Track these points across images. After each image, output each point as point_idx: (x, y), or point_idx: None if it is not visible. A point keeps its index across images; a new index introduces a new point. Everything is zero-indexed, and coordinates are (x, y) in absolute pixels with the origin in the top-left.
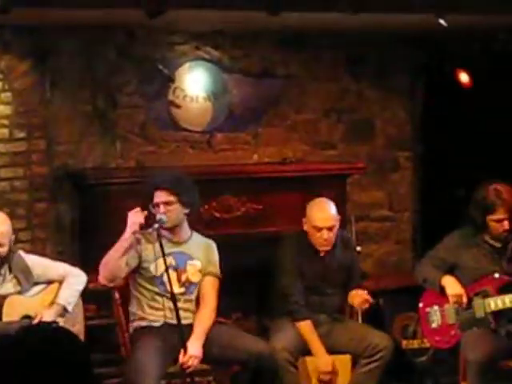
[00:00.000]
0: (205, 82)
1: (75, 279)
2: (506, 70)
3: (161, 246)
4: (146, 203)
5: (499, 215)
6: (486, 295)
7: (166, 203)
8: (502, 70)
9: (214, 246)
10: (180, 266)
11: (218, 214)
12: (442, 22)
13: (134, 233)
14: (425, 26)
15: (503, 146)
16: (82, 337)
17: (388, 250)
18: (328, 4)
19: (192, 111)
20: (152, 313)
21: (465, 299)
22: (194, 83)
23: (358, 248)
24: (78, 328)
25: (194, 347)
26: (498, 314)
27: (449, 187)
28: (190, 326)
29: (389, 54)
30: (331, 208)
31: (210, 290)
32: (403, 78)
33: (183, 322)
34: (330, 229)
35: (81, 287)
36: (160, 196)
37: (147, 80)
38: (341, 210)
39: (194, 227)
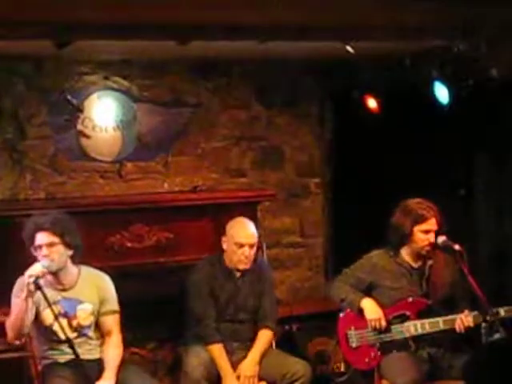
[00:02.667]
0: (114, 111)
1: None
2: (411, 94)
3: (44, 297)
4: (29, 246)
5: (429, 226)
6: (404, 319)
7: (49, 245)
8: (409, 94)
9: (106, 279)
10: (70, 313)
11: (129, 244)
12: (349, 49)
13: (30, 291)
14: (334, 53)
15: (411, 166)
16: None
17: (300, 276)
18: (236, 33)
19: (101, 141)
20: (53, 353)
21: (383, 323)
22: (103, 113)
23: (272, 274)
24: None
25: None
26: (418, 337)
27: (360, 211)
28: (98, 360)
29: (298, 82)
30: (252, 226)
31: (112, 327)
32: (312, 104)
33: (89, 357)
34: (251, 246)
35: None
36: (42, 238)
37: (56, 111)
38: None
39: (100, 259)
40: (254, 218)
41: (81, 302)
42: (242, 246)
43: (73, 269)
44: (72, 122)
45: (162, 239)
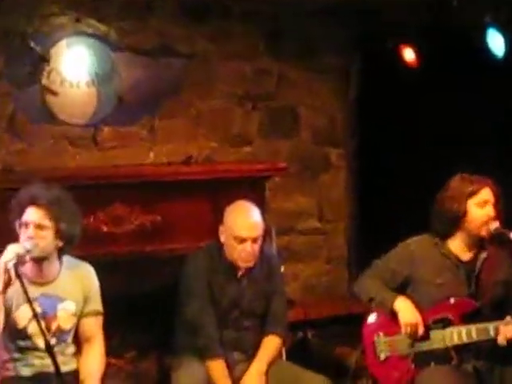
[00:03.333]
0: (87, 62)
1: None
2: (458, 44)
3: (24, 290)
4: (13, 220)
5: (485, 196)
6: (447, 324)
7: (39, 226)
8: (454, 44)
9: (92, 272)
10: (48, 313)
11: (105, 228)
12: None
13: (9, 280)
14: None
15: (457, 133)
16: None
17: (318, 270)
18: None
19: (72, 99)
20: (16, 364)
21: (421, 330)
22: (74, 64)
23: (282, 268)
24: None
25: None
26: (462, 348)
27: (393, 189)
28: (74, 373)
29: (318, 26)
30: (256, 214)
31: (95, 331)
32: (335, 56)
33: (64, 369)
34: (255, 240)
35: None
36: (33, 214)
37: (15, 61)
38: None
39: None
40: (260, 198)
41: (62, 300)
42: (242, 240)
43: (57, 261)
44: (35, 76)
45: (147, 223)
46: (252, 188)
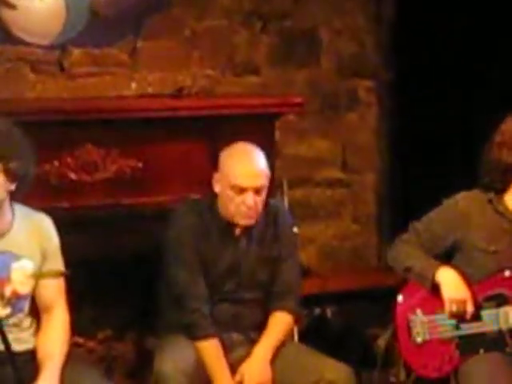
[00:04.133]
0: None
1: None
2: None
3: None
4: None
5: None
6: (501, 302)
7: None
8: None
9: (49, 223)
10: (0, 275)
11: (73, 176)
12: None
13: None
14: None
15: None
16: None
17: (340, 232)
18: None
19: (33, 13)
20: None
21: (470, 308)
22: None
23: (295, 229)
24: None
25: None
26: None
27: (437, 131)
28: (31, 353)
29: None
30: (260, 158)
31: (55, 298)
32: None
33: (19, 348)
34: (257, 191)
35: None
36: None
37: None
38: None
39: (27, 196)
40: (268, 141)
41: (17, 258)
42: (242, 190)
43: (9, 209)
44: None
45: (127, 170)
46: (258, 128)
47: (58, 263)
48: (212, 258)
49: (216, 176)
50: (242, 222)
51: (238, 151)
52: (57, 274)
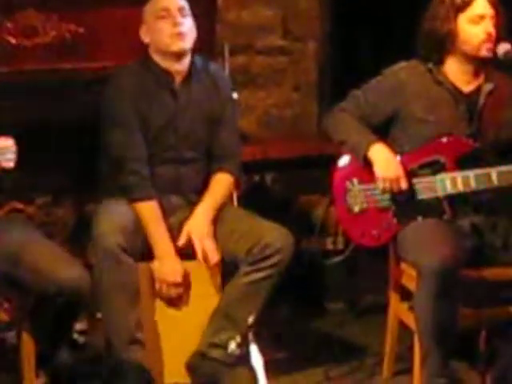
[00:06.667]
0: None
1: None
2: None
3: None
4: None
5: (479, 9)
6: (438, 169)
7: None
8: None
9: None
10: None
11: (13, 40)
12: None
13: None
14: None
15: None
16: None
17: (281, 99)
18: None
19: None
20: None
21: (403, 185)
22: None
23: (234, 95)
24: None
25: None
26: (456, 199)
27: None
28: None
29: None
30: None
31: None
32: None
33: None
34: (181, 11)
35: None
36: None
37: None
38: (209, 34)
39: None
40: (210, 7)
41: None
42: (168, 14)
43: None
44: None
45: (66, 35)
46: None
47: None
48: (151, 114)
49: (143, 28)
50: (177, 47)
51: None
52: None
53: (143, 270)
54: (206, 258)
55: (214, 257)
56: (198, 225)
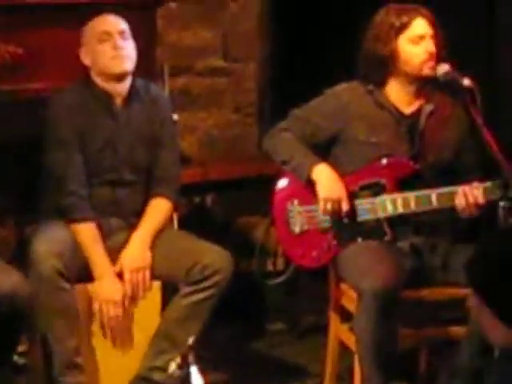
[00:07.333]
0: None
1: None
2: None
3: None
4: None
5: (418, 29)
6: (378, 191)
7: None
8: None
9: None
10: None
11: None
12: None
13: None
14: None
15: None
16: None
17: (221, 121)
18: None
19: None
20: None
21: (345, 207)
22: None
23: (175, 116)
24: None
25: None
26: (397, 221)
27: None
28: None
29: None
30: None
31: None
32: None
33: None
34: (121, 34)
35: None
36: None
37: None
38: (149, 56)
39: None
40: (150, 29)
41: None
42: (108, 37)
43: None
44: None
45: (6, 56)
46: (139, 16)
47: None
48: (90, 134)
49: (82, 50)
50: (119, 68)
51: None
52: None
53: (81, 292)
54: (133, 293)
55: (140, 293)
56: (133, 255)
